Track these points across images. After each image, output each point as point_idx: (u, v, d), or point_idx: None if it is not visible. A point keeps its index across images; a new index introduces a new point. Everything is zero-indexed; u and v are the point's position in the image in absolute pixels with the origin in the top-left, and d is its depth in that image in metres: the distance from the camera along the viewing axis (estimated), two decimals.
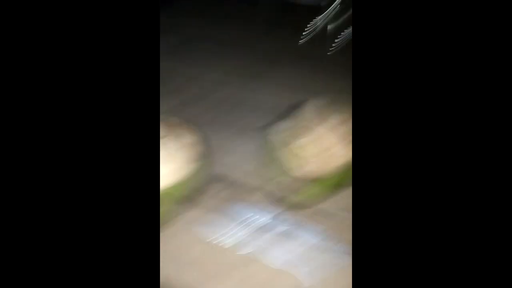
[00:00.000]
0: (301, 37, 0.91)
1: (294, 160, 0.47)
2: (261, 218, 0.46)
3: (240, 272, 0.42)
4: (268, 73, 0.73)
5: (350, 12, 0.76)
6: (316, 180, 0.47)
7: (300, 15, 0.92)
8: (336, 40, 0.83)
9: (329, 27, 0.78)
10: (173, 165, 0.38)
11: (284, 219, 0.45)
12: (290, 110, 0.62)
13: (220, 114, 0.63)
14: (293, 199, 0.49)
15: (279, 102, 0.65)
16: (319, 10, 0.87)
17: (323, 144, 0.45)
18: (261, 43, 0.83)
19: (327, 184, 0.48)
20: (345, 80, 0.75)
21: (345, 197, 0.49)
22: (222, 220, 0.46)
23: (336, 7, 0.75)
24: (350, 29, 0.86)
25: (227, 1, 1.01)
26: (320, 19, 0.86)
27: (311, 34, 0.90)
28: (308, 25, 0.90)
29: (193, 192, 0.43)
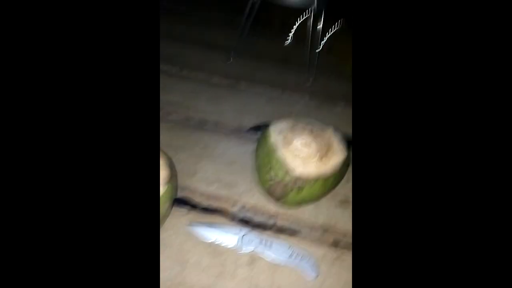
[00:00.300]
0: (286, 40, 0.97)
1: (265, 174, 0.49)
2: (227, 240, 0.45)
3: None
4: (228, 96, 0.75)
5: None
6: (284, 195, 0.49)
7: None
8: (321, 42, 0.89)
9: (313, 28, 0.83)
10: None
11: (249, 240, 0.46)
12: (251, 132, 0.65)
13: (182, 136, 0.62)
14: (257, 219, 0.50)
15: (240, 125, 0.67)
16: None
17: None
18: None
19: (293, 200, 0.50)
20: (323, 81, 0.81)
21: (306, 212, 0.51)
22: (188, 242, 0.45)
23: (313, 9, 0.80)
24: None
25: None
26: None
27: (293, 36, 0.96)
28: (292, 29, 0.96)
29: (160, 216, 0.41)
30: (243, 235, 0.46)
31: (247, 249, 0.45)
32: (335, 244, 0.48)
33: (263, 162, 0.49)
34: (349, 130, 0.67)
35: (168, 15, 1.09)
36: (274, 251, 0.44)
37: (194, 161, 0.58)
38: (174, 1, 1.20)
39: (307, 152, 0.47)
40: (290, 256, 0.44)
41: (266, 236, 0.47)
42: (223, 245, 0.45)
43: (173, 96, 0.72)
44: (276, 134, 0.50)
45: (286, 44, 0.99)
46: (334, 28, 0.96)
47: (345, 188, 0.55)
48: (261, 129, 0.65)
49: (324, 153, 0.48)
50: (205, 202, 0.52)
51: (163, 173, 0.41)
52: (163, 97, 0.71)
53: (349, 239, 0.49)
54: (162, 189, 0.39)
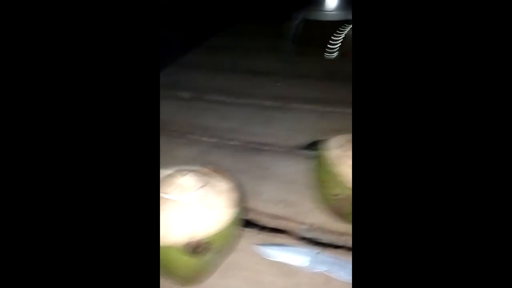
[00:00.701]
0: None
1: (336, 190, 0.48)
2: (298, 260, 0.45)
3: None
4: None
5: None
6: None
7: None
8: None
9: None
10: (214, 212, 0.38)
11: (322, 259, 0.44)
12: (308, 149, 0.65)
13: (243, 160, 0.65)
14: (327, 239, 0.49)
15: (296, 144, 0.68)
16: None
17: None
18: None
19: None
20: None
21: None
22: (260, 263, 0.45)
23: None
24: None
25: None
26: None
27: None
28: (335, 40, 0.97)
29: (232, 239, 0.43)
30: (317, 253, 0.45)
31: (321, 268, 0.44)
32: None
33: (325, 179, 0.49)
34: None
35: (217, 50, 1.17)
36: (347, 273, 0.43)
37: (257, 183, 0.59)
38: (219, 37, 1.29)
39: None
40: None
41: (338, 255, 0.46)
42: (295, 265, 0.45)
43: (231, 123, 0.76)
44: (335, 149, 0.49)
45: (331, 56, 0.99)
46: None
47: None
48: (316, 146, 0.65)
49: None
50: (272, 223, 0.52)
51: (232, 196, 0.42)
52: (222, 125, 0.75)
53: None
54: (232, 212, 0.41)
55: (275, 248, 0.47)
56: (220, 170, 0.46)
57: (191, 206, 0.38)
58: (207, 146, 0.69)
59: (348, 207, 0.46)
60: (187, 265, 0.37)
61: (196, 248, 0.36)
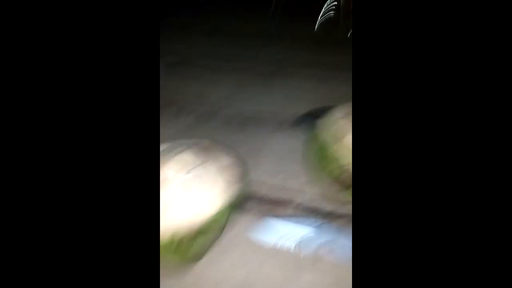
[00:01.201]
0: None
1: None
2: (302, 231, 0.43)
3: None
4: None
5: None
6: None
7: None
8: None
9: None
10: (217, 189, 0.35)
11: (326, 229, 0.43)
12: (307, 119, 0.61)
13: (239, 130, 0.61)
14: (328, 208, 0.47)
15: (295, 112, 0.64)
16: None
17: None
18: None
19: None
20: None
21: None
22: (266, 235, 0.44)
23: None
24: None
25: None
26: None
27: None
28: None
29: (234, 213, 0.40)
30: (320, 224, 0.43)
31: (309, 251, 0.42)
32: None
33: (327, 150, 0.46)
34: None
35: (197, 11, 1.06)
36: (338, 252, 0.42)
37: (255, 154, 0.56)
38: None
39: None
40: None
41: (337, 226, 0.44)
42: (299, 237, 0.44)
43: (222, 91, 0.70)
44: (337, 120, 0.46)
45: (321, 21, 0.93)
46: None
47: None
48: (317, 114, 0.62)
49: None
50: (274, 194, 0.50)
51: (235, 171, 0.39)
52: (213, 92, 0.70)
53: None
54: (235, 188, 0.38)
55: (278, 220, 0.45)
56: (219, 144, 0.42)
57: (190, 185, 0.34)
58: (198, 116, 0.65)
59: (350, 178, 0.45)
60: (193, 245, 0.35)
61: (205, 229, 0.33)
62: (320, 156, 0.49)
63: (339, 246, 0.42)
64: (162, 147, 0.39)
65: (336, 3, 0.88)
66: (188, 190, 0.34)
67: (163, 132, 0.61)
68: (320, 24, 0.91)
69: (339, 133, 0.45)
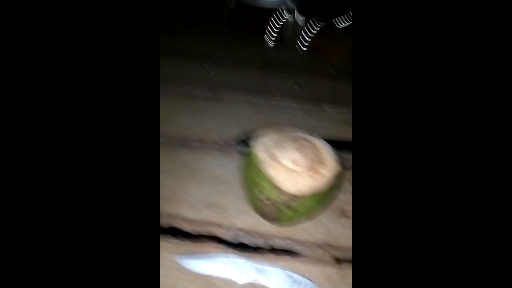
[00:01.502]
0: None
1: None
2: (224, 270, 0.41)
3: None
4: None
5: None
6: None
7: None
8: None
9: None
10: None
11: (247, 270, 0.41)
12: (238, 146, 0.60)
13: (164, 157, 0.57)
14: (253, 243, 0.45)
15: (226, 139, 0.62)
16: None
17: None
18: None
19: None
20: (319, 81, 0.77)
21: (304, 231, 0.47)
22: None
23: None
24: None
25: None
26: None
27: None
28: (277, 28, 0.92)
29: None
30: (240, 266, 0.41)
31: (245, 280, 0.40)
32: (338, 262, 0.44)
33: (252, 182, 0.44)
34: (339, 134, 0.63)
35: None
36: (274, 280, 0.40)
37: (179, 185, 0.53)
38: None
39: (297, 169, 0.43)
40: (292, 284, 0.39)
41: (264, 262, 0.43)
42: (218, 277, 0.41)
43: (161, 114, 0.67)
44: (261, 151, 0.45)
45: (269, 47, 0.95)
46: (315, 28, 0.92)
47: (343, 200, 0.51)
48: (248, 142, 0.61)
49: (316, 167, 0.44)
50: (194, 230, 0.47)
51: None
52: None
53: (351, 254, 0.45)
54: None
55: (198, 259, 0.42)
56: None
57: None
58: None
59: (276, 212, 0.43)
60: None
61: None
62: (246, 187, 0.47)
63: (264, 283, 0.40)
64: None
65: (282, 24, 0.90)
66: None
67: None
68: (267, 46, 0.92)
69: (264, 164, 0.43)
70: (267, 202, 0.43)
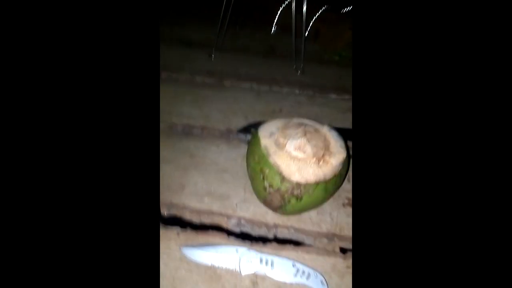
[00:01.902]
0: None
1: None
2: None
3: None
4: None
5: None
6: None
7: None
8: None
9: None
10: None
11: (249, 260, 0.40)
12: (241, 134, 0.58)
13: (166, 146, 0.55)
14: (256, 233, 0.44)
15: (229, 128, 0.60)
16: None
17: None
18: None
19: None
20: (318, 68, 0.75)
21: (309, 220, 0.46)
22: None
23: None
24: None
25: None
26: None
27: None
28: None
29: None
30: (243, 256, 0.40)
31: (248, 270, 0.39)
32: (344, 251, 0.43)
33: (256, 170, 0.43)
34: (344, 123, 0.61)
35: None
36: (278, 270, 0.39)
37: (182, 174, 0.51)
38: None
39: (302, 156, 0.41)
40: (296, 274, 0.38)
41: (267, 252, 0.41)
42: (221, 268, 0.40)
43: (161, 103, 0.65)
44: (266, 138, 0.43)
45: (271, 33, 0.92)
46: (318, 13, 0.89)
47: (348, 189, 0.50)
48: (251, 130, 0.59)
49: (322, 154, 0.42)
50: (197, 220, 0.46)
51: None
52: None
53: None
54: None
55: (200, 249, 0.40)
56: None
57: None
58: None
59: (280, 200, 0.42)
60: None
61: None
62: (249, 175, 0.46)
63: (265, 274, 0.39)
64: None
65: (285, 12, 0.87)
66: None
67: None
68: (272, 33, 0.90)
69: (267, 152, 0.42)
70: (271, 190, 0.41)
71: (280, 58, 0.82)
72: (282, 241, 0.44)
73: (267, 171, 0.41)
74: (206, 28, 0.91)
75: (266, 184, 0.42)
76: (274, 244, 0.43)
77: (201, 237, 0.43)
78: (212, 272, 0.39)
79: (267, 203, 0.44)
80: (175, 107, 0.64)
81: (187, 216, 0.46)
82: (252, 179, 0.45)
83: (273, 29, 0.93)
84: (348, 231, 0.45)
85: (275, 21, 0.93)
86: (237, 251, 0.40)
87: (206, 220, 0.46)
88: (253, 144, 0.45)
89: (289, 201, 0.42)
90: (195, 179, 0.51)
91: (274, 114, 0.51)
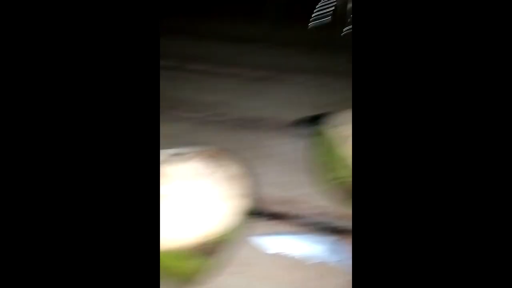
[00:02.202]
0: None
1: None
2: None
3: None
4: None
5: None
6: None
7: None
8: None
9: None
10: (228, 204, 0.31)
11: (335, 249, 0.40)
12: (304, 125, 0.59)
13: (236, 138, 0.57)
14: (334, 224, 0.44)
15: (293, 119, 0.61)
16: None
17: None
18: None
19: None
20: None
21: None
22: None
23: None
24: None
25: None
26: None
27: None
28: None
29: (243, 232, 0.36)
30: (334, 241, 0.39)
31: (339, 259, 0.39)
32: None
33: (323, 162, 0.43)
34: None
35: (189, 13, 1.03)
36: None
37: (253, 165, 0.52)
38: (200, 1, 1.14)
39: None
40: None
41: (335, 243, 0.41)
42: (303, 257, 0.40)
43: (218, 96, 0.66)
44: (333, 130, 0.43)
45: (319, 23, 0.91)
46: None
47: None
48: (316, 121, 0.59)
49: None
50: (271, 208, 0.46)
51: (244, 183, 0.35)
52: (208, 98, 0.66)
53: None
54: (246, 202, 0.34)
55: (283, 237, 0.41)
56: (225, 152, 0.38)
57: (199, 197, 0.30)
58: (193, 123, 0.60)
59: (346, 192, 0.42)
60: (195, 267, 0.30)
61: (211, 249, 0.29)
62: (318, 166, 0.46)
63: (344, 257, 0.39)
64: (166, 153, 0.34)
65: (331, 4, 0.87)
66: (196, 203, 0.30)
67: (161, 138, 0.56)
68: (315, 27, 0.90)
69: (337, 143, 0.42)
70: (338, 182, 0.41)
71: (328, 52, 0.81)
72: (347, 232, 0.43)
73: (333, 163, 0.41)
74: (255, 25, 0.92)
75: (332, 176, 0.42)
76: (339, 236, 0.43)
77: (281, 227, 0.44)
78: (293, 261, 0.40)
79: (333, 195, 0.44)
80: (238, 100, 0.66)
81: (262, 205, 0.46)
82: (318, 171, 0.45)
83: (319, 23, 0.92)
84: None
85: (322, 16, 0.92)
86: (324, 239, 0.40)
87: (281, 209, 0.46)
88: (319, 136, 0.45)
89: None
90: (267, 169, 0.51)
91: (336, 106, 0.51)
